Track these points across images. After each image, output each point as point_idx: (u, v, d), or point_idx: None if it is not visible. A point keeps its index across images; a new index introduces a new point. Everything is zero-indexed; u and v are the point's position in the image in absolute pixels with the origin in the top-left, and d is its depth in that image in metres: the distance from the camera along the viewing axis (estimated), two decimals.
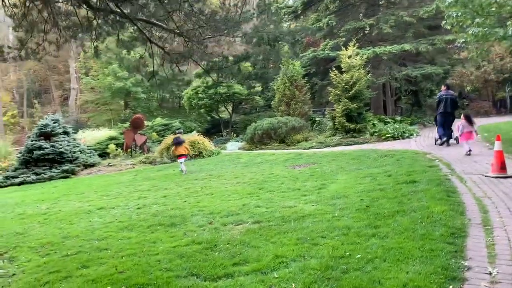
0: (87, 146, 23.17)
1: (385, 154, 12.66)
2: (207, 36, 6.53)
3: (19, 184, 15.78)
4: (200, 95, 22.65)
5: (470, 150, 11.03)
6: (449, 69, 24.24)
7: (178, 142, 14.33)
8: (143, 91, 41.70)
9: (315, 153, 14.94)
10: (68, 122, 49.09)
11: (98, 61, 44.02)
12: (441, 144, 13.48)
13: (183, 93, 25.01)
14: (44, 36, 6.52)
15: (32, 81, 63.90)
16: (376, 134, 17.32)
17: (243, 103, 30.49)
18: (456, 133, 12.41)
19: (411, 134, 16.88)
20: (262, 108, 30.40)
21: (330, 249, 4.80)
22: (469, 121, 11.54)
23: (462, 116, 11.85)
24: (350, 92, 18.03)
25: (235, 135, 23.87)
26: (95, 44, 6.45)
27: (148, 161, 17.45)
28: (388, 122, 20.23)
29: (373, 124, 19.56)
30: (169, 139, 17.78)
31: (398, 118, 21.99)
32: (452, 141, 13.49)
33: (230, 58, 6.28)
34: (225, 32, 6.59)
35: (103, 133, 27.48)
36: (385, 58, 21.41)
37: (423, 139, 15.84)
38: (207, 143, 18.13)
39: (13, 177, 16.25)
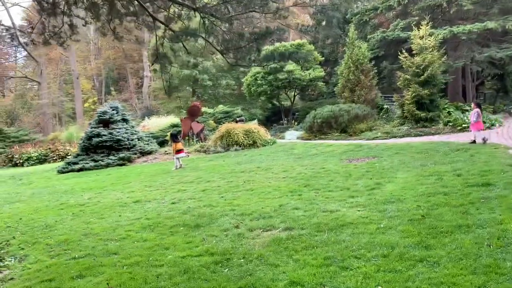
0: (150, 133, 23.54)
1: (457, 148, 11.00)
2: (235, 13, 5.65)
3: (78, 170, 16.12)
4: (259, 81, 21.82)
5: (485, 139, 11.24)
6: None
7: (177, 138, 14.11)
8: (210, 78, 41.86)
9: (378, 145, 13.52)
10: (140, 109, 51.03)
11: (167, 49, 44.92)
12: None
13: (242, 80, 24.33)
14: (63, 18, 6.00)
15: (111, 69, 67.03)
16: (450, 124, 15.41)
17: (308, 90, 29.30)
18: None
19: (493, 124, 14.78)
20: (329, 95, 28.94)
21: (360, 278, 3.76)
22: (481, 109, 11.62)
23: (473, 105, 12.06)
24: (422, 77, 16.19)
25: (296, 123, 22.81)
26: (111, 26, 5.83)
27: (202, 149, 17.05)
28: (467, 111, 18.00)
29: (448, 112, 17.52)
30: (223, 127, 17.24)
31: None
32: None
33: (247, 35, 5.36)
34: (258, 8, 5.65)
35: (167, 120, 27.77)
36: (464, 39, 19.01)
37: (507, 130, 13.73)
38: (262, 132, 17.33)
39: (74, 163, 16.66)
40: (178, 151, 13.70)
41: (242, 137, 16.49)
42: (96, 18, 6.31)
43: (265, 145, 16.73)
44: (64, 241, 6.27)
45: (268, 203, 7.41)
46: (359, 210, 6.28)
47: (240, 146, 16.42)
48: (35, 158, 24.60)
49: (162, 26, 6.59)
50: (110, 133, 17.01)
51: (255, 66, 6.19)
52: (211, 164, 13.65)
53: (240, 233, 5.75)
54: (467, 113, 17.00)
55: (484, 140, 11.27)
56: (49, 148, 25.22)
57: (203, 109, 28.97)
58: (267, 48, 24.96)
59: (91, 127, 17.51)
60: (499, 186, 6.59)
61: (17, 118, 51.05)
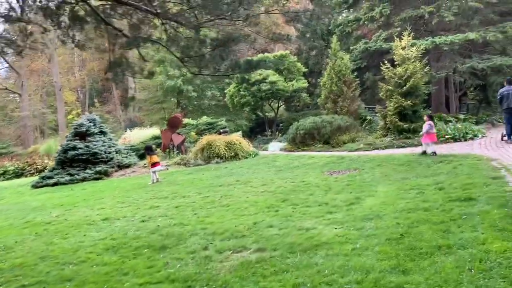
0: (130, 146, 22.99)
1: (440, 159, 10.76)
2: (204, 20, 5.32)
3: (53, 185, 15.53)
4: (242, 92, 21.53)
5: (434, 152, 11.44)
6: None
7: (152, 151, 13.82)
8: (194, 89, 41.45)
9: (360, 156, 13.25)
10: (124, 120, 50.31)
11: (151, 60, 44.58)
12: (510, 141, 12.47)
13: (225, 91, 24.05)
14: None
15: (95, 81, 66.17)
16: None
17: (293, 101, 29.11)
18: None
19: (475, 135, 14.62)
20: (314, 106, 28.75)
21: None
22: (433, 121, 11.95)
23: (425, 117, 12.17)
24: (404, 88, 16.04)
25: (280, 134, 22.52)
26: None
27: (182, 162, 16.60)
28: (450, 121, 17.92)
29: None
30: (204, 139, 16.83)
31: (461, 116, 19.49)
32: None
33: (208, 41, 5.01)
34: (227, 15, 5.32)
35: (150, 131, 27.27)
36: (446, 49, 19.00)
37: (489, 141, 13.58)
38: (245, 144, 16.97)
39: (48, 177, 16.07)
40: (154, 164, 13.25)
41: (224, 149, 16.11)
42: (57, 25, 5.93)
43: (247, 157, 16.37)
44: (18, 265, 5.79)
45: (242, 220, 7.03)
46: (336, 228, 5.93)
47: (222, 159, 16.02)
48: (11, 172, 23.83)
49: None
50: (87, 146, 16.48)
51: (220, 75, 5.81)
52: (190, 177, 13.22)
53: (207, 255, 5.35)
54: (450, 124, 16.90)
55: (434, 153, 11.46)
56: (27, 162, 24.50)
57: (186, 120, 28.58)
58: (247, 59, 24.85)
59: (67, 140, 16.96)
60: (481, 201, 6.31)
61: None
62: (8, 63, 49.03)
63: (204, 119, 28.18)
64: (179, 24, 5.11)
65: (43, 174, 16.93)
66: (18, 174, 23.74)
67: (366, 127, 19.13)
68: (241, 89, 21.63)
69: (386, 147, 14.98)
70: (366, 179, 9.56)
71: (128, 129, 32.55)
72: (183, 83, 40.39)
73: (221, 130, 25.20)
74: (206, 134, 22.33)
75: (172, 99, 44.63)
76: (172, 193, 10.74)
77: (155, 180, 13.09)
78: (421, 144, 14.44)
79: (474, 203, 6.26)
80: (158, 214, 8.38)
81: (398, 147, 14.77)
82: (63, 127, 52.24)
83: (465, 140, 14.45)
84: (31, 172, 23.38)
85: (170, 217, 7.92)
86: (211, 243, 5.87)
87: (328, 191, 8.66)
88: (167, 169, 16.16)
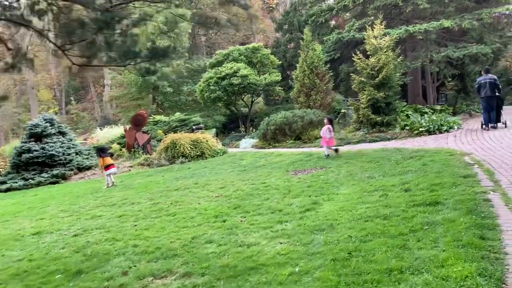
0: (94, 146, 21.91)
1: (411, 155, 10.05)
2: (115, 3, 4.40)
3: (6, 190, 14.47)
4: (212, 87, 20.57)
5: (327, 155, 11.59)
6: (500, 48, 20.64)
7: (104, 152, 12.86)
8: (170, 84, 40.28)
9: None
10: (96, 118, 48.91)
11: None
12: (487, 129, 12.81)
13: (195, 86, 23.06)
14: None
15: (72, 78, 64.28)
16: (407, 128, 14.57)
17: (271, 95, 28.25)
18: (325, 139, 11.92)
19: (451, 127, 13.99)
20: (291, 100, 27.87)
21: None
22: (332, 125, 12.00)
23: (326, 121, 12.13)
24: (377, 79, 15.31)
25: (254, 130, 21.66)
26: None
27: (146, 163, 15.67)
28: (425, 113, 17.33)
29: (407, 115, 16.77)
30: (168, 138, 15.90)
31: (438, 107, 18.89)
32: (500, 125, 13.05)
33: (86, 20, 4.08)
34: None
35: (119, 130, 26.14)
36: (421, 38, 18.33)
37: (465, 134, 12.95)
38: (212, 142, 16.09)
39: (1, 182, 15.00)
40: (107, 167, 12.30)
41: (189, 148, 15.21)
42: None
43: (214, 156, 15.50)
44: None
45: (182, 233, 6.19)
46: (281, 243, 5.13)
47: (187, 158, 15.13)
48: None
49: None
50: (43, 148, 15.41)
51: (116, 66, 4.92)
52: (148, 180, 12.30)
53: (124, 283, 4.50)
54: (425, 115, 16.28)
55: (327, 156, 11.63)
56: None
57: (158, 117, 27.54)
58: (220, 51, 23.85)
59: (22, 142, 15.85)
60: (448, 205, 5.57)
61: None
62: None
63: (177, 115, 27.18)
64: (83, 6, 4.21)
65: None
66: None
67: (340, 121, 18.39)
68: (210, 84, 20.67)
69: (358, 142, 14.27)
70: (329, 179, 8.79)
71: (99, 127, 31.28)
72: (158, 79, 39.24)
73: (194, 127, 24.26)
74: (179, 132, 21.43)
75: (148, 96, 43.46)
76: (122, 199, 9.83)
77: (110, 184, 12.15)
78: (394, 139, 13.85)
79: (439, 209, 5.53)
80: (96, 226, 7.49)
81: (371, 141, 14.06)
82: None
83: (440, 132, 13.81)
84: None
85: (107, 230, 7.04)
86: (135, 266, 5.02)
87: (286, 195, 7.87)
88: (129, 170, 15.22)
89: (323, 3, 23.37)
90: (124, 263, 5.19)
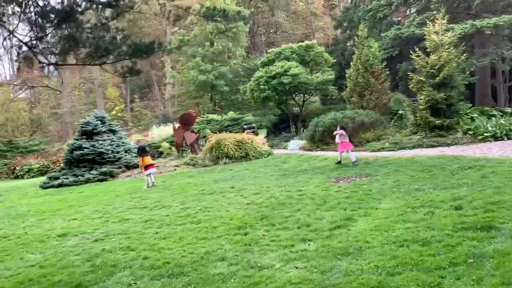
0: (152, 143, 22.26)
1: (469, 164, 8.92)
2: None
3: (58, 186, 14.90)
4: (261, 86, 20.07)
5: (339, 161, 11.47)
6: None
7: (144, 151, 12.64)
8: (227, 83, 40.39)
9: (377, 159, 11.53)
10: (157, 116, 50.30)
11: (184, 55, 43.95)
12: None
13: (246, 86, 22.67)
14: None
15: (137, 77, 66.72)
16: (471, 132, 13.17)
17: (327, 94, 27.24)
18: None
19: None
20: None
21: None
22: (346, 132, 11.76)
23: (338, 127, 11.96)
24: (437, 78, 14.01)
25: (304, 131, 20.88)
26: None
27: (192, 162, 15.49)
28: (493, 116, 15.63)
29: (471, 118, 15.24)
30: (214, 138, 15.62)
31: (509, 110, 17.02)
32: None
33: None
34: None
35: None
36: (490, 34, 16.59)
37: None
38: (257, 143, 15.58)
39: (55, 178, 15.50)
40: (147, 167, 12.18)
41: (233, 149, 14.81)
42: None
43: (258, 158, 14.99)
44: None
45: (197, 246, 5.73)
46: (296, 268, 4.50)
47: (231, 159, 14.75)
48: (36, 170, 23.82)
49: None
50: (93, 146, 15.74)
51: (88, 65, 4.45)
52: (187, 182, 12.04)
53: None
54: (493, 119, 14.67)
55: (339, 162, 11.48)
56: (51, 160, 24.41)
57: (211, 116, 27.57)
58: (272, 50, 23.28)
59: (74, 139, 16.32)
60: (504, 232, 4.65)
61: (39, 127, 51.55)
62: (48, 60, 50.20)
63: (230, 114, 27.02)
64: None
65: (50, 174, 16.40)
66: (43, 172, 23.60)
67: (396, 123, 17.12)
68: (260, 83, 20.18)
69: (414, 147, 13.13)
70: (373, 189, 7.95)
71: (155, 125, 31.96)
72: (215, 78, 39.47)
73: (245, 127, 23.93)
74: (231, 131, 21.17)
75: (206, 95, 43.87)
76: (156, 201, 9.60)
77: (150, 184, 12.03)
78: (455, 144, 12.57)
79: (492, 235, 4.62)
80: (119, 231, 7.25)
81: (428, 146, 12.87)
82: None
83: (509, 138, 12.34)
84: (55, 170, 23.20)
85: (127, 236, 6.76)
86: (135, 284, 4.62)
87: (320, 206, 7.16)
88: (175, 169, 15.13)
89: None
90: (127, 278, 4.81)
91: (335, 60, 23.46)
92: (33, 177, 23.25)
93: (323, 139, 15.72)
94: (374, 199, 7.20)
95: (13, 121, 48.73)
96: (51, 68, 6.09)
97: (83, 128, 16.23)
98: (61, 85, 49.45)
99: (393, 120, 17.42)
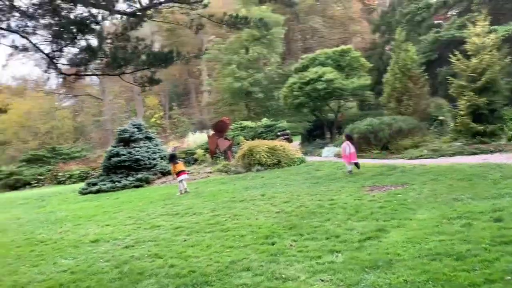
0: (187, 150, 22.57)
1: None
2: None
3: (96, 192, 15.33)
4: (295, 92, 19.91)
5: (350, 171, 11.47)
6: None
7: (175, 157, 12.95)
8: (262, 90, 40.50)
9: (415, 167, 11.11)
10: (194, 123, 51.00)
11: (219, 62, 44.50)
12: None
13: (279, 92, 22.55)
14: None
15: (175, 85, 68.21)
16: None
17: (364, 100, 26.70)
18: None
19: None
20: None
21: None
22: (352, 141, 11.94)
23: (344, 137, 12.40)
24: (478, 83, 13.42)
25: (339, 137, 20.52)
26: None
27: (225, 169, 15.54)
28: None
29: None
30: (246, 145, 15.61)
31: None
32: None
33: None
34: None
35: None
36: None
37: None
38: (290, 150, 15.43)
39: (93, 184, 15.96)
40: (179, 173, 12.31)
41: (265, 156, 14.73)
42: None
43: (291, 165, 14.82)
44: None
45: (224, 255, 5.67)
46: (322, 280, 4.36)
47: (263, 166, 14.66)
48: (77, 176, 24.66)
49: None
50: (129, 153, 16.10)
51: (107, 74, 4.43)
52: (219, 189, 12.06)
53: None
54: None
55: (350, 172, 11.51)
56: (91, 166, 25.21)
57: (245, 123, 27.65)
58: (306, 55, 23.09)
59: (112, 146, 16.75)
60: None
61: (82, 134, 53.49)
62: (91, 70, 52.19)
63: (264, 121, 27.03)
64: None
65: (89, 180, 16.90)
66: (83, 178, 24.40)
67: (436, 130, 16.50)
68: (294, 89, 20.03)
69: (454, 154, 12.60)
70: (408, 199, 7.64)
71: (191, 132, 32.41)
72: (250, 85, 39.68)
73: (279, 133, 23.84)
74: (264, 137, 21.14)
75: (241, 102, 44.16)
76: (187, 208, 9.66)
77: (182, 190, 12.13)
78: (498, 151, 11.97)
79: None
80: (149, 237, 7.31)
81: (469, 153, 12.32)
82: None
83: None
84: (94, 176, 23.93)
85: (156, 243, 6.81)
86: None
87: (351, 216, 6.94)
88: (208, 176, 15.21)
89: (422, 1, 21.37)
90: (152, 287, 4.82)
91: (372, 65, 22.96)
92: (74, 182, 24.07)
93: (358, 146, 15.33)
94: (408, 209, 6.91)
95: (58, 128, 50.79)
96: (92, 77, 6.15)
97: (121, 136, 16.65)
98: (102, 94, 51.23)
99: (432, 126, 16.81)
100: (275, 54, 41.95)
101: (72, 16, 3.85)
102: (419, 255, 4.68)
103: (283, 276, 4.62)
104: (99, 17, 3.97)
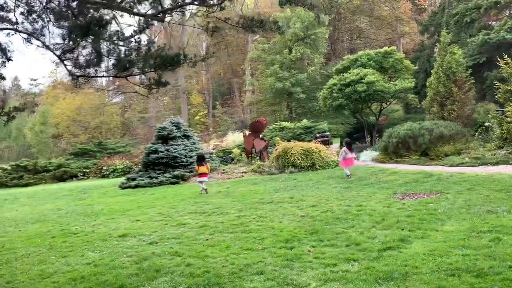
0: (225, 149, 22.82)
1: None
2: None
3: (135, 187, 15.81)
4: (334, 94, 19.56)
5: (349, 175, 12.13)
6: None
7: (202, 159, 12.81)
8: (303, 90, 40.20)
9: (452, 175, 10.63)
10: (235, 122, 51.45)
11: (263, 62, 44.60)
12: None
13: (319, 93, 22.27)
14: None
15: (220, 84, 69.23)
16: None
17: (414, 104, 25.87)
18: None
19: None
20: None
21: None
22: (350, 148, 12.63)
23: (344, 143, 13.12)
24: None
25: (380, 141, 19.98)
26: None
27: (259, 170, 15.58)
28: None
29: None
30: (280, 146, 15.56)
31: None
32: None
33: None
34: None
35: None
36: None
37: None
38: (325, 153, 15.22)
39: (132, 179, 16.47)
40: (200, 175, 12.56)
41: (299, 158, 14.62)
42: None
43: (325, 168, 14.63)
44: None
45: (241, 257, 5.70)
46: None
47: (297, 168, 14.56)
48: (120, 170, 25.50)
49: None
50: (167, 150, 16.49)
51: (114, 76, 4.47)
52: (249, 189, 12.11)
53: None
54: None
55: (348, 176, 12.16)
56: (134, 161, 26.01)
57: (284, 124, 27.56)
58: (348, 57, 22.66)
59: (151, 143, 17.21)
60: None
61: (129, 130, 55.36)
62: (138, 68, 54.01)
63: (303, 122, 26.83)
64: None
65: (128, 175, 17.45)
66: (126, 172, 25.20)
67: (480, 136, 15.71)
68: (334, 91, 19.71)
69: (497, 163, 11.92)
70: (438, 209, 7.33)
71: (231, 131, 32.72)
72: (292, 85, 39.48)
73: (318, 135, 23.57)
74: (303, 140, 20.99)
75: (283, 102, 44.05)
76: (216, 207, 9.77)
77: (203, 191, 12.37)
78: None
79: None
80: (174, 235, 7.46)
81: None
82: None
83: None
84: (134, 171, 24.70)
85: (179, 241, 6.94)
86: None
87: (376, 224, 6.76)
88: (243, 176, 15.30)
89: (472, 2, 20.42)
90: (165, 284, 4.91)
91: (416, 67, 22.22)
92: (117, 176, 24.91)
93: (397, 151, 14.90)
94: (437, 220, 6.63)
95: (106, 123, 52.86)
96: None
97: (159, 133, 17.07)
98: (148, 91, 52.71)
99: (477, 133, 16.03)
100: (318, 54, 41.47)
101: (82, 18, 4.00)
102: (438, 269, 4.49)
103: (294, 282, 4.57)
104: (107, 18, 4.09)
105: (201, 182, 12.55)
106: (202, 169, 12.58)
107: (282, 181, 13.04)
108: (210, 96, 66.10)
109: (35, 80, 69.61)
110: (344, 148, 12.58)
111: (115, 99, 61.85)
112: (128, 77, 4.64)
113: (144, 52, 4.40)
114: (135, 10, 4.08)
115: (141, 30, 4.41)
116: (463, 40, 20.55)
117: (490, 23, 24.79)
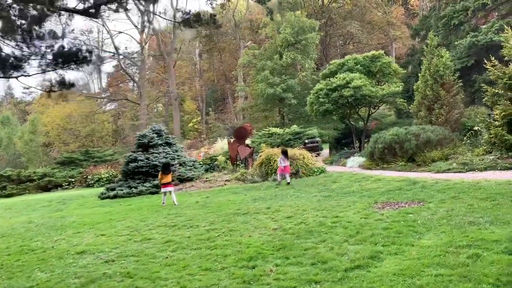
0: (212, 156, 22.28)
1: None
2: None
3: (113, 197, 15.26)
4: (321, 99, 19.11)
5: (288, 182, 12.82)
6: None
7: (167, 167, 12.26)
8: (295, 96, 39.73)
9: (437, 182, 10.15)
10: (227, 129, 50.99)
11: (254, 68, 44.20)
12: None
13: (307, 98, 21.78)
14: None
15: (213, 90, 68.84)
16: None
17: (402, 108, 25.49)
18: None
19: None
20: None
21: None
22: (286, 157, 13.23)
23: (281, 152, 13.56)
24: None
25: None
26: None
27: (242, 178, 15.07)
28: None
29: None
30: (264, 153, 15.06)
31: None
32: None
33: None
34: None
35: None
36: None
37: None
38: (308, 159, 14.72)
39: (112, 189, 15.93)
40: (164, 185, 11.92)
41: None
42: None
43: (309, 175, 14.14)
44: None
45: (195, 279, 5.20)
46: None
47: None
48: (105, 179, 24.89)
49: None
50: (147, 158, 15.94)
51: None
52: (227, 199, 11.59)
53: None
54: None
55: (279, 182, 13.10)
56: (119, 170, 25.42)
57: (273, 129, 27.04)
58: (334, 61, 22.25)
59: (131, 152, 16.67)
60: None
61: (120, 137, 54.73)
62: (129, 75, 53.79)
63: (293, 128, 26.32)
64: None
65: (108, 185, 16.89)
66: (111, 181, 24.61)
67: (469, 141, 15.27)
68: (320, 96, 19.25)
69: (485, 169, 11.49)
70: (418, 220, 6.84)
71: (219, 138, 32.19)
72: (283, 91, 39.02)
73: (306, 141, 23.05)
74: (292, 146, 20.46)
75: (274, 108, 43.57)
76: (187, 220, 9.25)
77: (164, 202, 11.81)
78: None
79: None
80: (133, 252, 6.93)
81: (503, 168, 11.18)
82: (178, 134, 54.77)
83: None
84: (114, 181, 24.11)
85: (136, 259, 6.42)
86: None
87: (350, 238, 6.27)
88: (225, 184, 14.78)
89: (459, 4, 20.09)
90: None
91: (406, 71, 21.82)
92: (102, 185, 24.29)
93: (383, 157, 14.45)
94: (414, 233, 6.14)
95: (98, 131, 52.21)
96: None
97: (139, 141, 16.55)
98: (139, 98, 52.15)
99: (465, 137, 15.59)
100: (309, 59, 41.08)
101: None
102: None
103: None
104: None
105: (164, 193, 11.93)
106: (167, 178, 11.96)
107: (263, 190, 12.55)
108: (203, 103, 65.65)
109: (28, 88, 68.97)
110: (281, 156, 13.17)
111: (108, 106, 61.22)
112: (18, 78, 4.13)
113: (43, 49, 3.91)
114: (59, 3, 3.59)
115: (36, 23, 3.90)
116: (452, 43, 20.17)
117: (480, 26, 24.52)
